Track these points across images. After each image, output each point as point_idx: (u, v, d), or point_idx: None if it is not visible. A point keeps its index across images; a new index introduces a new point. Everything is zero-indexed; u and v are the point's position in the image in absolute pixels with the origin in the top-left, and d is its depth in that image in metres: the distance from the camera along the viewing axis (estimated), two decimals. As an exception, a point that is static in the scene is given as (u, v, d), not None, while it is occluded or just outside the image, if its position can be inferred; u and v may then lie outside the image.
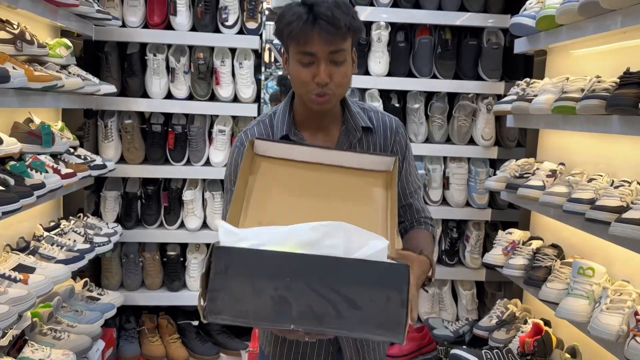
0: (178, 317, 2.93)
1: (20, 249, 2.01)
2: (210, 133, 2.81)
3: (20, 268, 1.84)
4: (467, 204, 2.91)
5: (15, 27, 1.88)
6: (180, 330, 2.87)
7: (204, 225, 2.83)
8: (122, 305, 2.65)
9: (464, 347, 2.14)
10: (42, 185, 1.83)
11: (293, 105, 1.40)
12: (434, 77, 2.84)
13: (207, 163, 2.79)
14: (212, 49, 2.78)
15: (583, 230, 1.85)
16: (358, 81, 2.80)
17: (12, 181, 1.71)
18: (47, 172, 1.98)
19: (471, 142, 2.89)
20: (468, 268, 2.91)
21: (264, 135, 1.38)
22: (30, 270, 1.86)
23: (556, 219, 2.04)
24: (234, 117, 2.84)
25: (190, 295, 2.84)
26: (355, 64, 1.33)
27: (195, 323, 2.93)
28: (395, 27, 2.87)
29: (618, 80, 1.65)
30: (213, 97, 2.78)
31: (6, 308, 1.60)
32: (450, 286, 2.99)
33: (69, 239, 2.21)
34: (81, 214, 2.51)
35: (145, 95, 2.73)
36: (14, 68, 1.72)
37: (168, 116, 2.83)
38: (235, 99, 2.78)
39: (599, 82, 1.77)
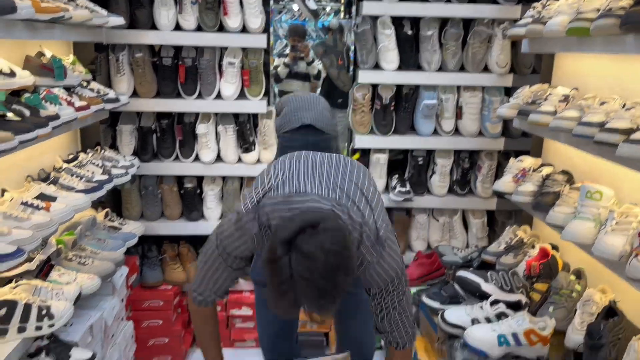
0: (198, 245, 3.05)
1: (41, 179, 2.09)
2: (220, 66, 2.80)
3: (41, 197, 1.92)
4: (480, 134, 2.89)
5: (19, -43, 1.86)
6: (200, 258, 3.00)
7: (218, 158, 2.88)
8: (143, 235, 2.76)
9: (471, 269, 2.20)
10: (56, 117, 1.87)
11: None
12: (448, 1, 2.75)
13: (219, 96, 2.80)
14: (219, -22, 2.71)
15: (592, 153, 1.84)
16: (369, 7, 2.73)
17: (27, 112, 1.75)
18: (60, 104, 2.02)
19: (486, 69, 2.84)
20: (479, 197, 2.94)
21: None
22: (52, 199, 1.94)
23: (566, 144, 2.02)
24: (243, 49, 2.81)
25: (208, 225, 2.93)
26: None
27: (214, 252, 3.04)
28: (408, -50, 2.75)
29: (635, -4, 1.58)
30: (221, 28, 2.75)
31: (30, 233, 1.69)
32: (460, 215, 3.04)
33: (88, 171, 2.28)
34: (99, 147, 2.58)
35: (154, 27, 2.71)
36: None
37: (178, 49, 2.82)
38: (244, 29, 2.74)
39: (615, 0, 1.70)
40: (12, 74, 1.85)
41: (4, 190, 1.89)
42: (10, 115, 1.62)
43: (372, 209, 1.46)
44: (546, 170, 2.27)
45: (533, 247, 2.35)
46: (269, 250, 1.26)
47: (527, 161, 2.39)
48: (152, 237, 2.92)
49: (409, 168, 2.97)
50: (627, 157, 1.53)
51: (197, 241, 3.07)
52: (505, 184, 2.37)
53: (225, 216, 2.74)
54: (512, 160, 2.44)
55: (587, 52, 1.95)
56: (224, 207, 2.95)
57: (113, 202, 2.88)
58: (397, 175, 2.94)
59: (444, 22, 2.83)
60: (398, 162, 3.07)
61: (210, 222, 2.94)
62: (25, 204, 1.82)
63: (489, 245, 2.58)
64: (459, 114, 2.86)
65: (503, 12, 2.73)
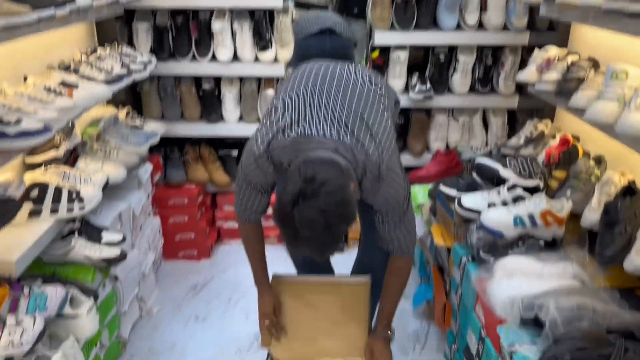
0: (218, 147, 3.10)
1: (62, 69, 2.11)
2: (234, -42, 2.70)
3: (64, 84, 1.94)
4: (505, 28, 2.79)
5: None
6: (221, 159, 3.06)
7: (235, 58, 2.85)
8: (165, 137, 2.80)
9: (489, 155, 2.21)
10: (71, 0, 1.84)
11: None
12: None
13: (233, -9, 2.72)
14: None
15: (621, 31, 1.76)
16: None
17: (43, -7, 1.73)
18: (76, -10, 1.99)
19: (513, -43, 2.69)
20: (501, 95, 2.89)
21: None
22: (74, 86, 1.97)
23: (595, 25, 1.94)
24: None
25: (228, 127, 2.96)
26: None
27: (235, 153, 3.10)
28: None
29: None
30: None
31: (55, 114, 1.73)
32: (481, 115, 3.00)
33: (107, 64, 2.29)
34: (116, 43, 2.57)
35: None
36: None
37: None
38: None
39: None
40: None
41: (25, 77, 1.92)
42: (26, -8, 1.61)
43: (376, 142, 1.51)
44: (571, 58, 2.21)
45: (554, 137, 2.33)
46: (274, 210, 1.38)
47: (552, 51, 2.31)
48: (173, 139, 2.97)
49: (429, 66, 2.91)
50: (658, 24, 1.47)
51: (217, 143, 3.12)
52: (529, 74, 2.31)
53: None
54: (536, 51, 2.37)
55: None
56: (242, 109, 2.96)
57: (133, 103, 2.91)
58: (417, 74, 2.88)
59: None
60: (419, 64, 3.01)
61: (229, 124, 2.96)
62: (48, 89, 1.85)
63: (509, 140, 2.57)
64: (483, 5, 2.75)
65: None
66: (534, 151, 2.34)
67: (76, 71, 2.10)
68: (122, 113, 2.65)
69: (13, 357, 1.50)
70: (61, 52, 2.28)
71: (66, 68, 2.10)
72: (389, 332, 1.83)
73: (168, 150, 3.01)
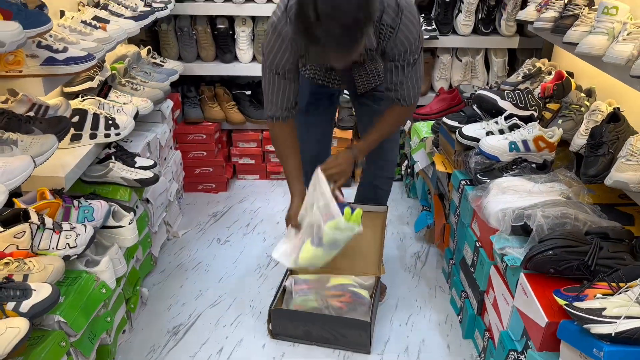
0: (232, 87, 3.27)
1: (93, 5, 2.25)
2: None
3: (97, 19, 2.10)
4: (508, -30, 2.90)
5: None
6: (236, 99, 3.23)
7: (249, -2, 2.97)
8: (182, 76, 2.96)
9: (489, 89, 2.38)
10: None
11: None
12: None
13: None
14: None
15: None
16: None
17: None
18: None
19: None
20: (502, 36, 3.03)
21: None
22: (106, 21, 2.12)
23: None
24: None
25: (241, 67, 3.12)
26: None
27: (248, 92, 3.27)
28: None
29: None
30: None
31: (95, 44, 1.89)
32: (483, 55, 3.15)
33: (132, 2, 2.43)
34: (136, -17, 2.69)
35: None
36: None
37: None
38: None
39: None
40: None
41: (62, 12, 2.07)
42: None
43: None
44: (569, -3, 2.34)
45: (550, 74, 2.49)
46: (295, 21, 1.45)
47: (552, -9, 2.44)
48: (189, 78, 3.13)
49: (435, 7, 3.04)
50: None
51: (231, 84, 3.28)
52: (528, 13, 2.45)
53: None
54: (537, -9, 2.50)
55: None
56: (255, 49, 3.10)
57: (152, 43, 3.05)
58: (423, 15, 3.01)
59: None
60: (425, 6, 3.12)
61: (243, 64, 3.11)
62: (84, 22, 2.00)
63: (508, 77, 2.73)
64: (487, -53, 2.85)
65: None
66: (531, 86, 2.50)
67: (105, 8, 2.24)
68: (143, 51, 2.80)
69: (70, 256, 1.73)
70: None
71: (96, 5, 2.25)
72: (362, 157, 1.94)
73: (185, 89, 3.18)
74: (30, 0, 1.62)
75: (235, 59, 3.13)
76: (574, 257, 1.57)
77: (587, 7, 2.19)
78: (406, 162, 3.13)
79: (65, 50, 1.71)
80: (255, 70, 3.11)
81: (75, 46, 1.79)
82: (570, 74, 2.47)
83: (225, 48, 3.09)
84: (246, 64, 3.12)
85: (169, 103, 2.77)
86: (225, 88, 3.23)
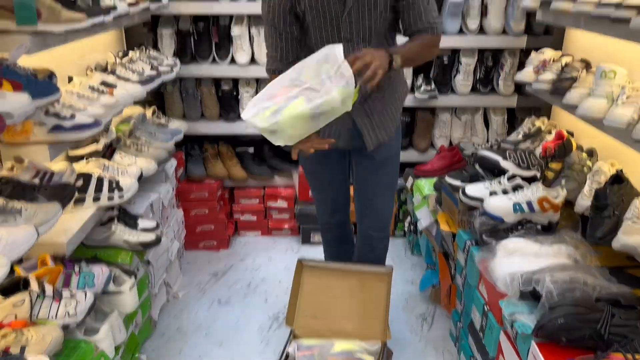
0: (236, 145, 3.30)
1: (100, 70, 2.31)
2: (253, -32, 2.91)
3: (104, 84, 2.14)
4: (504, 32, 2.99)
5: None
6: (239, 156, 3.26)
7: (252, 60, 3.05)
8: (185, 135, 2.99)
9: (490, 149, 2.40)
10: (114, 8, 2.05)
11: None
12: None
13: (252, -2, 2.93)
14: None
15: (608, 34, 1.97)
16: None
17: (90, 2, 1.94)
18: (114, -1, 2.19)
19: (511, -33, 2.89)
20: (501, 95, 3.08)
21: None
22: (113, 86, 2.17)
23: (586, 29, 2.14)
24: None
25: (244, 126, 3.14)
26: None
27: (251, 150, 3.30)
28: None
29: None
30: None
31: (102, 110, 1.93)
32: (482, 113, 3.20)
33: (139, 66, 2.49)
34: (144, 47, 2.77)
35: None
36: None
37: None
38: None
39: None
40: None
41: (70, 77, 2.12)
42: (79, 2, 1.81)
43: None
44: (565, 60, 2.40)
45: (550, 133, 2.52)
46: None
47: (548, 53, 2.51)
48: (193, 136, 3.17)
49: (434, 67, 3.11)
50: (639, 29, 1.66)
51: (235, 141, 3.32)
52: (526, 74, 2.51)
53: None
54: (533, 53, 2.57)
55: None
56: (259, 108, 3.15)
57: (157, 103, 3.10)
58: (422, 75, 3.08)
59: None
60: (424, 66, 3.20)
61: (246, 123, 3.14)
62: (92, 87, 2.04)
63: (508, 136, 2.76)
64: (484, 11, 2.95)
65: None
66: (532, 145, 2.53)
67: (113, 72, 2.29)
68: (149, 112, 2.84)
69: (69, 325, 1.68)
70: (95, 55, 2.48)
71: (103, 70, 2.30)
72: (399, 60, 1.70)
73: (189, 147, 3.21)
74: (40, 70, 1.66)
75: (239, 117, 3.17)
76: (586, 326, 1.53)
77: (584, 70, 2.24)
78: (409, 218, 3.12)
79: (72, 117, 1.74)
80: (258, 128, 3.15)
81: (82, 112, 1.82)
82: (571, 133, 2.50)
83: (229, 108, 3.14)
84: (249, 123, 3.15)
85: (173, 162, 2.79)
86: (229, 145, 3.26)
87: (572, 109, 2.13)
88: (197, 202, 3.09)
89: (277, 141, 1.64)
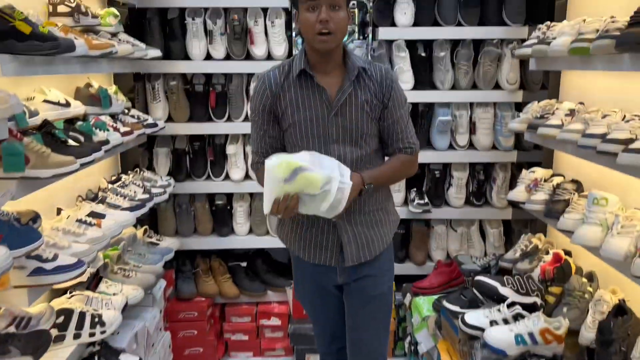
0: (228, 259, 3.23)
1: (90, 199, 2.30)
2: (247, 90, 3.01)
3: (92, 214, 2.12)
4: (494, 147, 3.04)
5: (72, 0, 2.10)
6: (231, 271, 3.18)
7: (247, 176, 3.07)
8: (177, 250, 2.95)
9: (488, 274, 2.34)
10: (106, 142, 2.08)
11: (306, 53, 1.73)
12: (459, 24, 2.93)
13: (246, 118, 3.00)
14: (245, 10, 2.94)
15: (595, 162, 1.98)
16: (385, 33, 2.92)
17: (82, 138, 1.97)
18: (108, 130, 2.23)
19: (497, 87, 2.99)
20: (495, 208, 3.07)
21: (284, 73, 1.75)
22: (101, 216, 2.14)
23: (573, 155, 2.17)
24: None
25: (238, 240, 3.12)
26: (350, 20, 1.70)
27: (244, 264, 3.23)
28: (419, -22, 2.94)
29: (629, 19, 1.74)
30: (248, 56, 2.97)
31: (87, 246, 1.89)
32: (478, 225, 3.17)
33: (130, 190, 2.49)
34: (138, 169, 2.79)
35: (186, 57, 2.94)
36: (75, 38, 1.95)
37: (208, 76, 3.04)
38: (269, 57, 2.96)
39: (612, 22, 1.86)
40: (67, 104, 2.08)
41: (59, 209, 2.10)
42: (70, 141, 1.83)
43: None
44: (557, 180, 2.41)
45: (547, 253, 2.47)
46: None
47: (539, 172, 2.53)
48: (185, 251, 3.11)
49: (426, 181, 3.13)
50: (626, 164, 1.67)
51: (227, 255, 3.26)
52: (518, 193, 2.51)
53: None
54: (524, 172, 2.58)
55: (589, 69, 2.10)
56: (252, 222, 3.13)
57: (150, 219, 3.08)
58: (415, 189, 3.09)
59: (455, 44, 3.01)
60: (416, 177, 3.22)
61: (239, 236, 3.12)
62: (79, 221, 2.02)
63: (506, 253, 2.71)
64: (472, 129, 3.01)
65: (511, 33, 2.89)
66: (530, 265, 2.47)
67: (102, 201, 2.28)
68: (140, 232, 2.81)
69: None
70: (88, 180, 2.49)
71: (93, 198, 2.29)
72: (370, 184, 1.75)
73: (180, 263, 3.14)
74: (24, 213, 1.64)
75: (232, 232, 3.14)
76: None
77: (576, 193, 2.24)
78: (409, 338, 2.98)
79: (54, 258, 1.69)
80: (252, 242, 3.11)
81: (65, 251, 1.77)
82: (568, 253, 2.45)
83: (222, 222, 3.12)
84: (243, 237, 3.13)
85: (162, 284, 2.71)
86: (221, 260, 3.20)
87: (567, 233, 2.10)
88: (185, 322, 2.97)
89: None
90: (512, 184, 3.03)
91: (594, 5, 2.35)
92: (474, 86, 3.02)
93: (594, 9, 2.32)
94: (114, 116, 2.45)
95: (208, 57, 2.93)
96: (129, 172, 2.71)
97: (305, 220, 1.84)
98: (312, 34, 1.65)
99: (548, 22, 2.41)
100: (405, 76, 2.94)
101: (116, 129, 2.29)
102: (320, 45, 1.67)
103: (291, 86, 1.75)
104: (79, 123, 2.09)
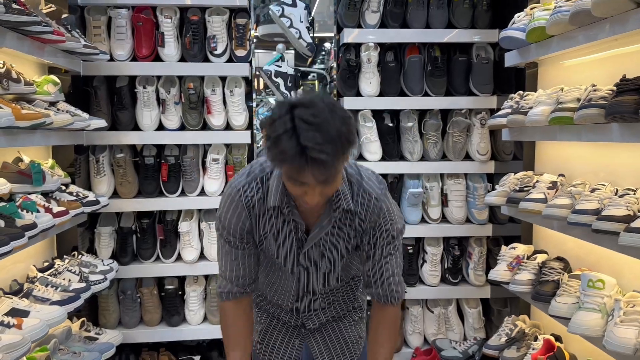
0: (179, 352, 2.85)
1: (14, 292, 1.95)
2: (204, 162, 2.78)
3: (13, 312, 1.77)
4: (468, 220, 2.88)
5: (1, 65, 1.85)
6: (182, 367, 2.80)
7: (202, 256, 2.77)
8: (121, 344, 2.57)
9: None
10: (33, 226, 1.77)
11: (285, 185, 1.41)
12: (426, 94, 2.84)
13: (202, 193, 2.75)
14: (202, 78, 2.76)
15: (590, 241, 1.81)
16: (350, 103, 2.79)
17: (2, 223, 1.66)
18: (38, 211, 1.93)
19: (467, 157, 2.88)
20: (472, 285, 2.86)
21: (259, 198, 1.45)
22: (24, 314, 1.80)
23: (561, 232, 2.01)
24: (227, 145, 2.81)
25: (190, 330, 2.77)
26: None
27: (197, 358, 2.85)
28: (384, 47, 2.87)
29: (615, 87, 1.64)
30: (205, 127, 2.76)
31: (0, 356, 1.53)
32: (455, 305, 2.94)
33: (64, 279, 2.15)
34: (75, 253, 2.45)
35: (136, 128, 2.70)
36: (0, 107, 1.69)
37: (160, 148, 2.80)
38: (228, 127, 2.76)
39: (595, 90, 1.76)
40: (-14, 183, 1.78)
41: (-29, 308, 1.74)
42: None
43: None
44: (541, 258, 2.23)
45: (536, 339, 2.25)
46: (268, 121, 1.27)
47: (520, 248, 2.35)
48: (129, 345, 2.72)
49: (398, 259, 2.90)
50: (630, 246, 1.50)
51: (178, 348, 2.88)
52: (500, 272, 2.31)
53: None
54: (504, 248, 2.40)
55: (571, 140, 1.99)
56: (207, 308, 2.80)
57: (89, 308, 2.69)
58: (387, 267, 2.86)
59: (423, 114, 2.90)
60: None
61: (192, 326, 2.77)
62: (-5, 322, 1.67)
63: (488, 338, 2.48)
64: (444, 201, 2.86)
65: (479, 103, 2.82)
66: (518, 353, 2.23)
67: (28, 294, 1.94)
68: (75, 325, 2.43)
69: None
70: (15, 267, 2.14)
71: (17, 291, 1.94)
72: None
73: (123, 359, 2.74)
74: None
75: (184, 320, 2.79)
76: None
77: (565, 273, 2.05)
78: None
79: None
80: (206, 333, 2.77)
81: (-31, 367, 1.42)
82: (557, 338, 2.23)
83: (173, 310, 2.77)
84: (196, 326, 2.78)
85: (99, 387, 2.31)
86: (170, 353, 2.81)
87: (561, 319, 1.89)
88: None
89: None
90: (489, 259, 2.87)
91: (565, 74, 2.28)
92: (444, 157, 2.89)
93: (565, 77, 2.25)
94: (47, 194, 2.14)
95: (160, 127, 2.70)
96: (65, 256, 2.37)
97: (269, 318, 1.58)
98: (295, 198, 1.40)
99: (521, 92, 2.32)
100: (372, 147, 2.79)
101: (48, 210, 1.99)
102: (305, 208, 1.41)
103: (265, 213, 1.48)
104: (1, 204, 1.79)
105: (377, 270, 1.53)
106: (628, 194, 1.66)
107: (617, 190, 1.75)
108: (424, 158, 2.87)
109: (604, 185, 1.83)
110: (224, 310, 1.58)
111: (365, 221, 1.47)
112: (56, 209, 2.05)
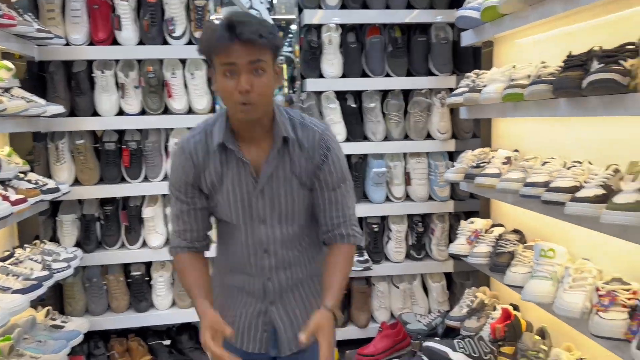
0: (148, 337, 2.86)
1: (-28, 282, 1.92)
2: (166, 147, 2.76)
3: (-28, 303, 1.75)
4: (430, 198, 2.94)
5: (-51, 51, 1.80)
6: (152, 351, 2.80)
7: (167, 241, 2.77)
8: (89, 331, 2.56)
9: (437, 338, 2.16)
10: (-10, 214, 1.74)
11: (228, 118, 1.47)
12: (387, 75, 2.88)
13: (165, 178, 2.73)
14: (161, 61, 2.73)
15: (540, 212, 1.89)
16: (313, 84, 2.81)
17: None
18: (-5, 200, 1.90)
19: (429, 137, 2.93)
20: (436, 260, 2.95)
21: (202, 144, 1.48)
22: (-16, 304, 1.77)
23: (514, 205, 2.08)
24: (189, 129, 2.79)
25: (158, 315, 2.78)
26: (279, 76, 1.44)
27: (167, 342, 2.86)
28: (345, 29, 2.89)
29: (562, 64, 1.70)
30: (167, 111, 2.74)
31: (-41, 346, 1.52)
32: (420, 280, 3.02)
33: (26, 268, 2.12)
34: (37, 241, 2.42)
35: (95, 113, 2.66)
36: (-51, 94, 1.65)
37: (121, 133, 2.76)
38: (190, 111, 2.74)
39: (544, 67, 1.82)
40: (-62, 172, 1.74)
41: None
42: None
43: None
44: (498, 231, 2.31)
45: (495, 309, 2.34)
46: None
47: (478, 222, 2.43)
48: (98, 332, 2.71)
49: (364, 236, 2.96)
50: (574, 214, 1.57)
51: (147, 334, 2.88)
52: (459, 246, 2.38)
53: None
54: (463, 223, 2.48)
55: (523, 116, 2.06)
56: (175, 293, 2.80)
57: (54, 297, 2.68)
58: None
59: (385, 94, 2.94)
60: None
61: (160, 311, 2.78)
62: (-48, 312, 1.65)
63: (451, 310, 2.56)
64: (407, 180, 2.91)
65: (439, 82, 2.87)
66: (478, 323, 2.32)
67: (-11, 283, 1.91)
68: (40, 314, 2.41)
69: None
70: (-27, 258, 2.11)
71: (-23, 280, 1.91)
72: (338, 312, 1.51)
73: (92, 346, 2.73)
74: None
75: (152, 306, 2.79)
76: None
77: (520, 244, 2.14)
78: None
79: None
80: (175, 317, 2.78)
81: None
82: (516, 307, 2.33)
83: (140, 296, 2.77)
84: (164, 311, 2.78)
85: (67, 375, 2.30)
86: (140, 339, 2.81)
87: (516, 288, 1.97)
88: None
89: None
90: (451, 235, 2.95)
91: (519, 53, 2.35)
92: (406, 136, 2.94)
93: (520, 55, 2.31)
94: (4, 182, 2.10)
95: (120, 112, 2.67)
96: (26, 245, 2.34)
97: (235, 295, 1.59)
98: (231, 102, 1.38)
99: (477, 70, 2.38)
100: (336, 128, 2.82)
101: (5, 198, 1.95)
102: (242, 116, 1.40)
103: (211, 159, 1.48)
104: (-45, 194, 1.75)
105: (339, 212, 1.54)
106: (575, 166, 1.73)
107: (565, 162, 1.82)
108: (387, 138, 2.92)
109: (554, 158, 1.90)
110: (177, 264, 1.59)
111: (314, 156, 1.49)
112: (14, 197, 2.01)
